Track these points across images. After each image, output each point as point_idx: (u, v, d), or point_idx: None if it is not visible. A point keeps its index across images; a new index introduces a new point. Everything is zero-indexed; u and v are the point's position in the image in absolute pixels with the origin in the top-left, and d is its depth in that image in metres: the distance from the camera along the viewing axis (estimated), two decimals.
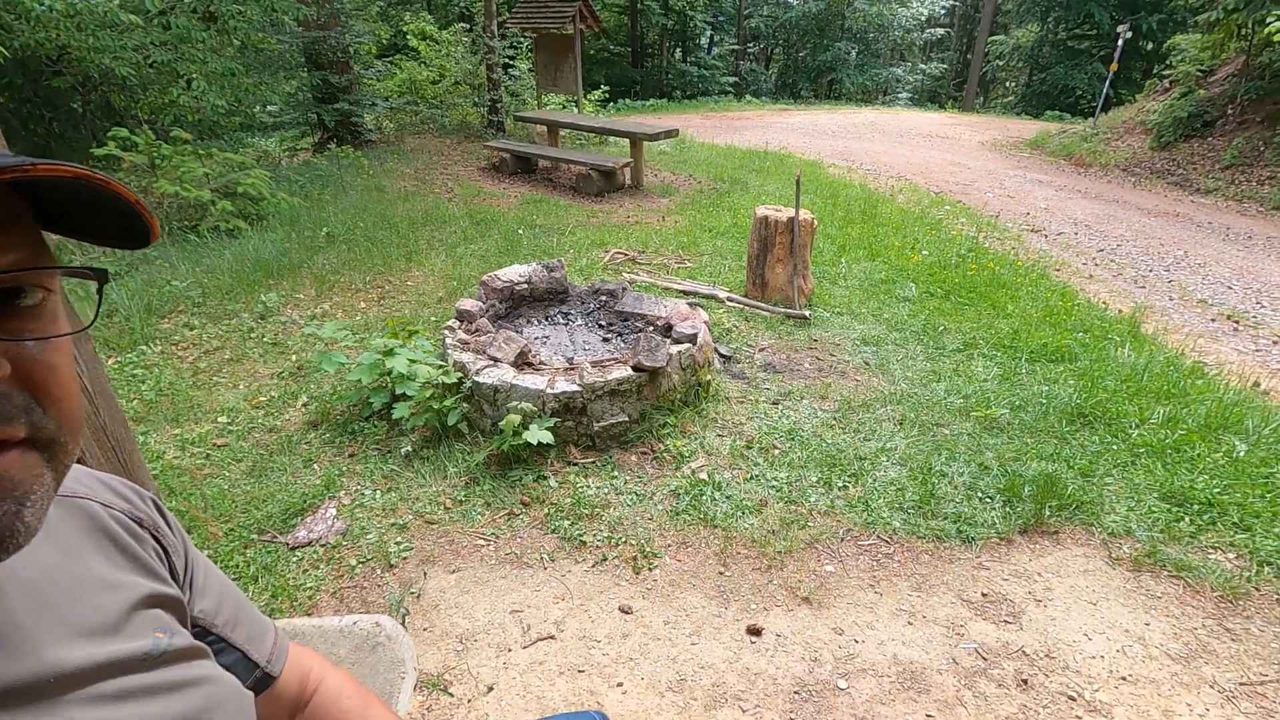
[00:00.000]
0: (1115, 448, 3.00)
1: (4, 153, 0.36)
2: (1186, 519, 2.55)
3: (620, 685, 1.91)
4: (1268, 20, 8.66)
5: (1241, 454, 2.89)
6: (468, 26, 11.62)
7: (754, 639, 2.07)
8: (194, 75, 6.82)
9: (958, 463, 2.88)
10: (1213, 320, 5.05)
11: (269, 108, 9.87)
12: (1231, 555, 2.40)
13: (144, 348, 3.74)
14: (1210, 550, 2.42)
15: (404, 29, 11.44)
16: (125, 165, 5.63)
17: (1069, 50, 21.81)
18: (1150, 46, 19.31)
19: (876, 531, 2.51)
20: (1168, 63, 13.11)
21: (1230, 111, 10.86)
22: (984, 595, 2.24)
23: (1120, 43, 13.93)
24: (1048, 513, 2.55)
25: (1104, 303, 5.11)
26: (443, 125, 11.02)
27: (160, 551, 0.63)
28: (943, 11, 27.21)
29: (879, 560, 2.39)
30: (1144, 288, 5.74)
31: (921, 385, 3.60)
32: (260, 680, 0.71)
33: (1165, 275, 6.09)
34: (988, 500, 2.66)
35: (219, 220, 5.58)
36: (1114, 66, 14.27)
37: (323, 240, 5.63)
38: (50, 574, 0.51)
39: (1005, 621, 2.14)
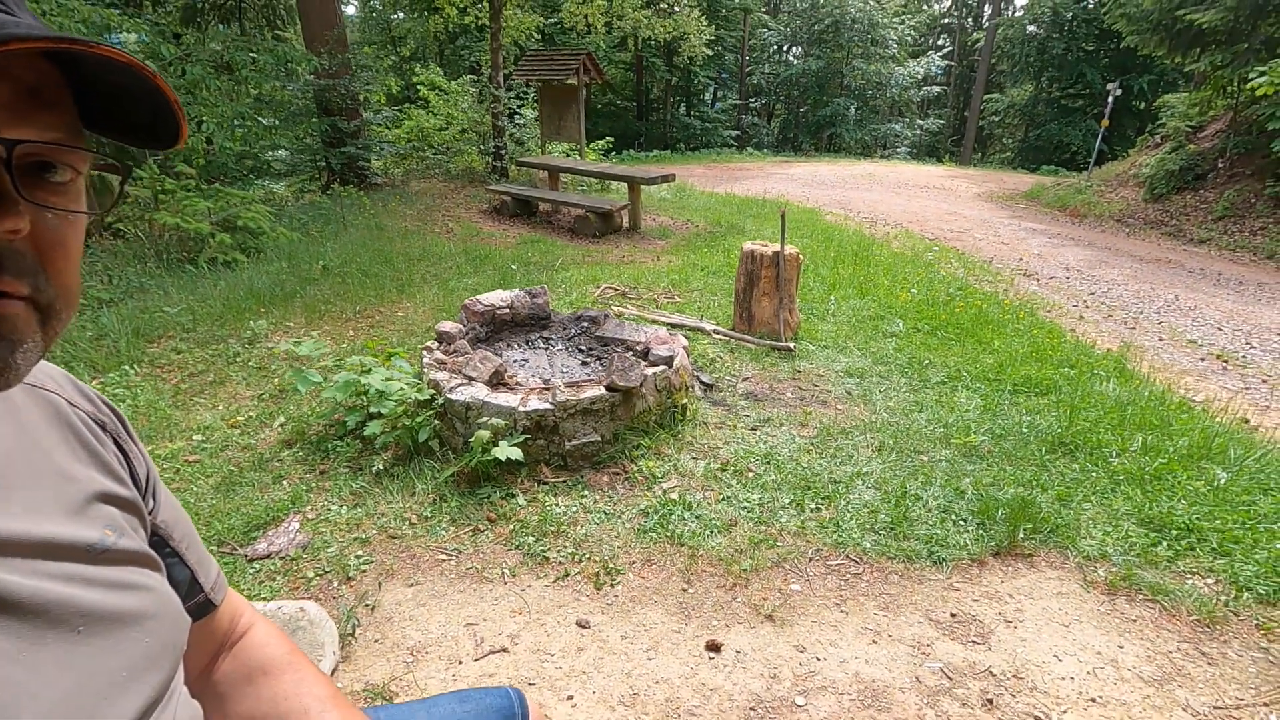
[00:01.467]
0: (1095, 475, 2.95)
1: (61, 33, 0.39)
2: (1164, 544, 2.49)
3: (570, 698, 1.85)
4: (1250, 77, 8.89)
5: (1223, 482, 2.84)
6: (475, 77, 12.04)
7: (713, 655, 2.00)
8: (204, 118, 7.07)
9: (934, 487, 2.84)
10: (1202, 359, 5.03)
11: (279, 153, 10.19)
12: (1210, 580, 2.33)
13: (128, 368, 3.77)
14: (1188, 575, 2.36)
15: (414, 80, 11.88)
16: (128, 199, 5.78)
17: (1063, 108, 22.40)
18: (1142, 105, 19.84)
19: (846, 551, 2.46)
20: (1159, 120, 13.44)
21: (1220, 165, 11.06)
22: (953, 615, 2.18)
23: (1111, 100, 14.32)
24: (1021, 535, 2.50)
25: (1092, 341, 5.11)
26: (447, 170, 11.31)
27: (120, 456, 0.64)
28: (939, 71, 28.09)
29: (847, 580, 2.33)
30: (1134, 329, 5.75)
31: (903, 415, 3.58)
32: (201, 605, 0.72)
33: (1156, 317, 6.10)
34: (961, 523, 2.61)
35: (217, 252, 5.69)
36: (1106, 123, 14.64)
37: (318, 273, 5.72)
38: (13, 453, 0.53)
39: (973, 642, 2.08)
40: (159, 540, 0.67)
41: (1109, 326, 5.76)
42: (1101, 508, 2.73)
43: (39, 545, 0.50)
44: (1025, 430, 3.35)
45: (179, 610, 0.62)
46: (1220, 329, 5.76)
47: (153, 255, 5.62)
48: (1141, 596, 2.26)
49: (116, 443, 0.65)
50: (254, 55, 8.16)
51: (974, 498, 2.75)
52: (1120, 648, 2.05)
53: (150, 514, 0.66)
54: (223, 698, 0.77)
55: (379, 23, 23.32)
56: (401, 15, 22.28)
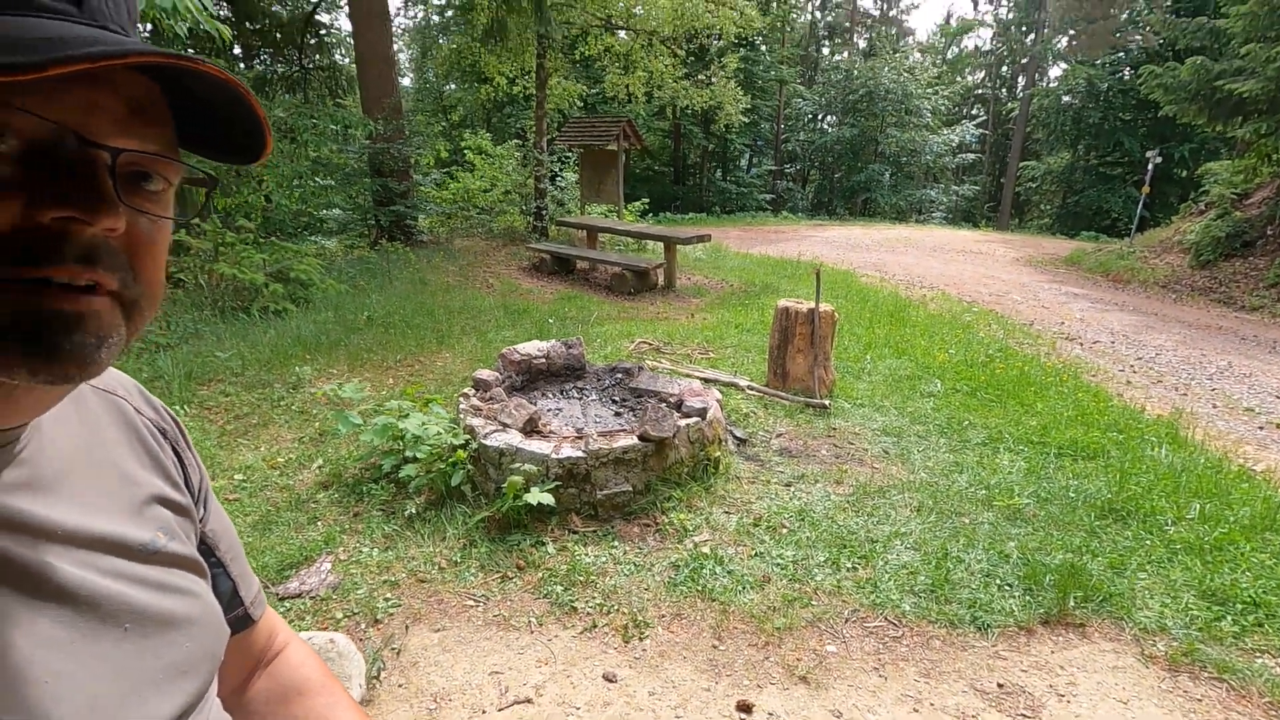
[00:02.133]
0: (1149, 543, 2.81)
1: (172, 51, 0.44)
2: (1229, 618, 2.34)
3: None
4: None
5: None
6: (521, 142, 12.58)
7: (744, 716, 1.92)
8: (266, 178, 7.51)
9: (976, 550, 2.73)
10: (1260, 428, 4.81)
11: (333, 211, 10.72)
12: None
13: (179, 409, 3.90)
14: (1257, 653, 2.20)
15: (463, 145, 12.48)
16: (192, 251, 6.11)
17: (1102, 175, 22.33)
18: (1184, 173, 19.67)
19: (884, 613, 2.36)
20: (1202, 187, 13.30)
21: (1270, 232, 10.82)
22: (1000, 686, 2.06)
23: (1151, 168, 14.24)
24: (1072, 603, 2.38)
25: (1141, 406, 4.94)
26: (490, 229, 11.71)
27: (177, 463, 0.67)
28: (973, 139, 28.38)
29: (885, 643, 2.23)
30: (1185, 395, 5.55)
31: (942, 475, 3.48)
32: (241, 619, 0.74)
33: (1209, 384, 5.88)
34: (1006, 588, 2.50)
35: (269, 301, 5.94)
36: (1147, 190, 14.52)
37: (362, 323, 5.91)
38: (81, 450, 0.56)
39: (1023, 715, 1.95)
40: (205, 549, 0.69)
41: (1158, 392, 5.57)
42: (1158, 577, 2.58)
43: (96, 540, 0.52)
44: (1072, 494, 3.23)
45: (220, 620, 0.63)
46: (1279, 398, 5.52)
47: (209, 303, 5.88)
48: (1207, 674, 2.11)
49: (175, 450, 0.68)
50: (315, 120, 8.70)
51: (1019, 562, 2.64)
52: None
53: (200, 522, 0.68)
54: (256, 715, 0.77)
55: (432, 92, 24.68)
56: (454, 86, 23.57)
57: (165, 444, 0.67)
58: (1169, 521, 2.98)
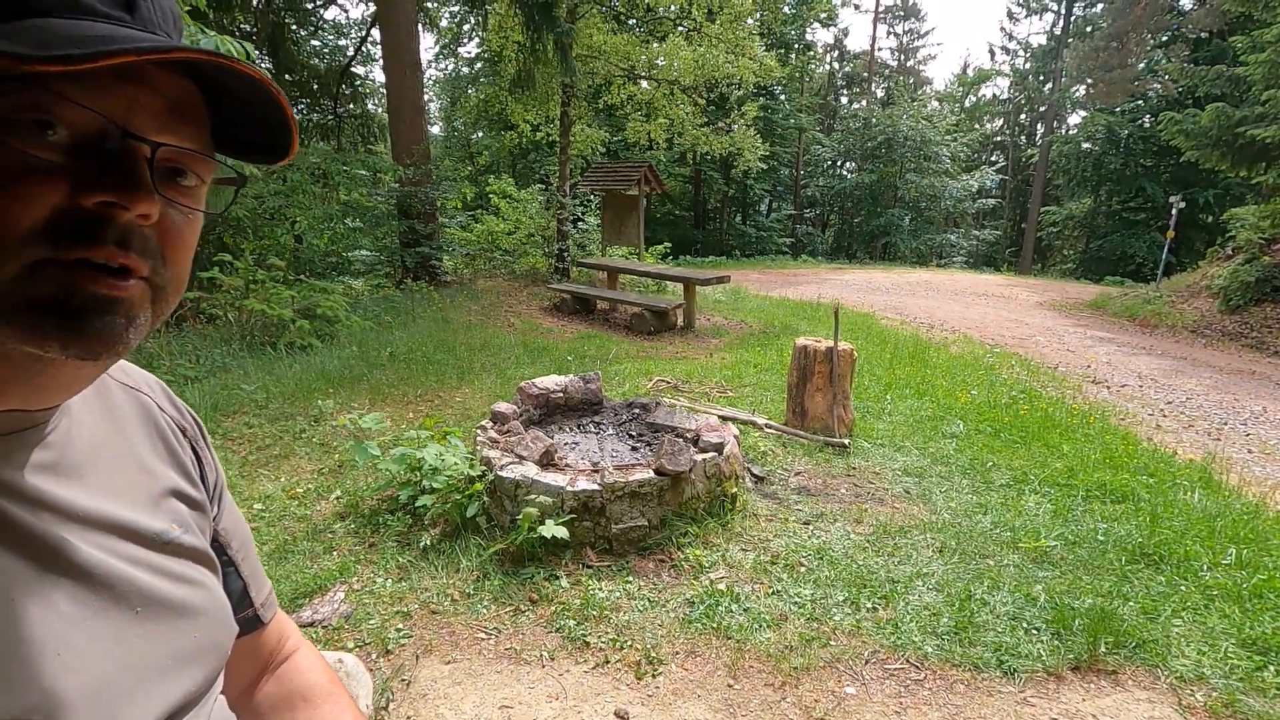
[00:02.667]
0: (1184, 589, 2.71)
1: (213, 50, 0.48)
2: (1271, 669, 2.23)
3: None
4: None
5: None
6: (544, 186, 12.88)
7: None
8: (298, 219, 7.77)
9: (1001, 592, 2.65)
10: None
11: (361, 253, 11.02)
12: None
13: None
14: None
15: (488, 190, 12.81)
16: (224, 288, 6.29)
17: (1125, 220, 22.23)
18: (1209, 218, 19.50)
19: (905, 655, 2.29)
20: (1228, 232, 13.17)
21: None
22: None
23: (1175, 213, 14.15)
24: (1103, 649, 2.28)
25: (1172, 450, 4.81)
26: (512, 270, 11.92)
27: (195, 461, 0.70)
28: (993, 184, 28.50)
29: (907, 686, 2.16)
30: (1218, 440, 5.40)
31: (965, 516, 3.40)
32: (250, 620, 0.75)
33: (1243, 429, 5.73)
34: (1034, 631, 2.41)
35: (296, 336, 6.07)
36: (1171, 234, 14.40)
37: (385, 359, 6.00)
38: (104, 440, 0.59)
39: None
40: (218, 546, 0.71)
41: (1190, 436, 5.43)
42: (1194, 624, 2.48)
43: (114, 525, 0.55)
44: (1101, 537, 3.13)
45: (228, 614, 0.64)
46: None
47: (238, 338, 6.03)
48: None
49: (194, 449, 0.70)
50: (347, 166, 9.02)
51: (1047, 605, 2.55)
52: None
53: (214, 520, 0.70)
54: (262, 719, 0.77)
55: (459, 139, 25.50)
56: (481, 134, 24.34)
57: (185, 441, 0.69)
58: (1204, 567, 2.87)
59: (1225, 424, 5.84)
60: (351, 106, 14.68)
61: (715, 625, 2.42)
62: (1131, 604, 2.58)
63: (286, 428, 4.36)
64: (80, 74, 0.42)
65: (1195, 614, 2.55)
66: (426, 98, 14.23)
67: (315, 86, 14.04)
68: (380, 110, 15.16)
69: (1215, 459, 4.58)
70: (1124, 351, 9.12)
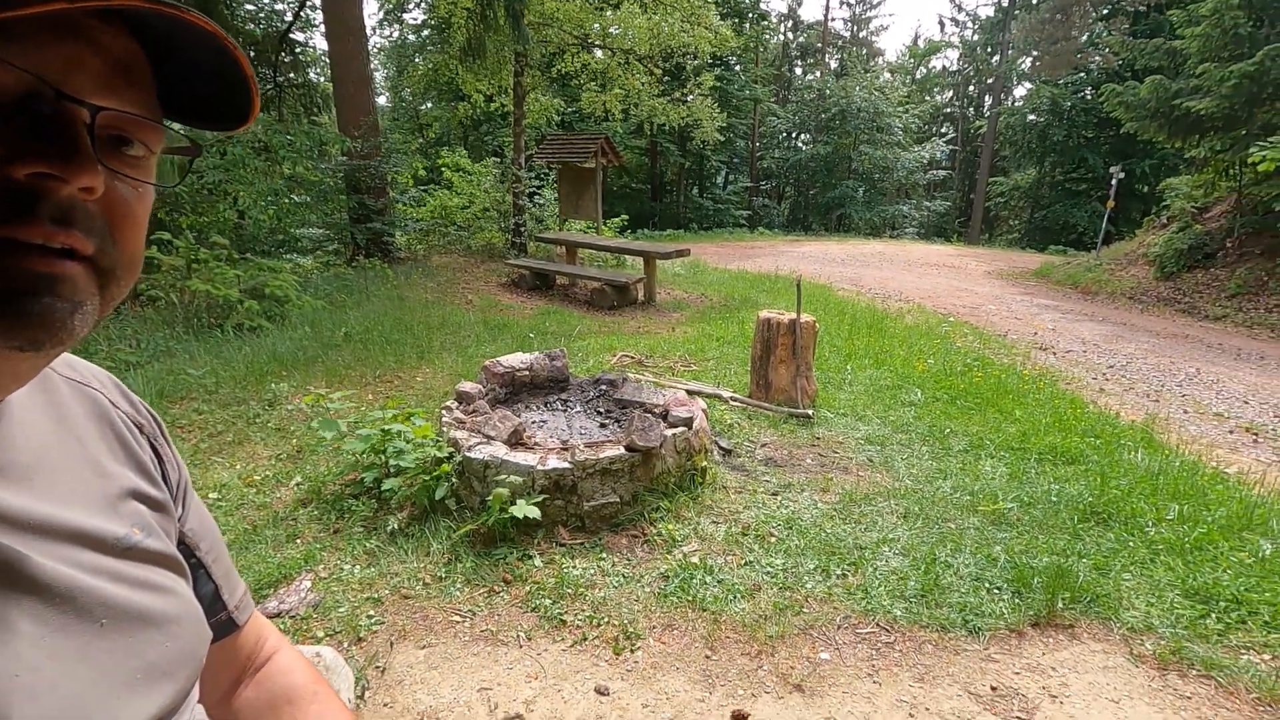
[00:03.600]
0: (1132, 544, 2.84)
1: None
2: (1213, 616, 2.36)
3: None
4: (1252, 152, 9.07)
5: (1268, 553, 2.72)
6: (499, 159, 12.59)
7: None
8: (240, 194, 7.41)
9: (964, 554, 2.74)
10: (1230, 432, 4.92)
11: (310, 230, 10.60)
12: (1266, 656, 2.20)
13: None
14: (1242, 650, 2.22)
15: (440, 162, 12.44)
16: (164, 268, 5.98)
17: (1067, 191, 22.94)
18: (1145, 188, 20.27)
19: (876, 619, 2.35)
20: (1164, 202, 13.72)
21: (1229, 245, 11.18)
22: (993, 689, 2.05)
23: (1115, 184, 14.67)
24: (1061, 605, 2.39)
25: (1115, 412, 5.03)
26: (468, 246, 11.66)
27: (155, 459, 0.64)
28: (943, 156, 29.03)
29: (878, 649, 2.22)
30: (1157, 401, 5.67)
31: (926, 482, 3.50)
32: (224, 624, 0.70)
33: (1179, 390, 6.02)
34: (995, 591, 2.50)
35: (244, 318, 5.83)
36: (1111, 204, 14.95)
37: (340, 339, 5.82)
38: (52, 441, 0.53)
39: (1018, 718, 1.95)
40: (185, 548, 0.66)
41: (1131, 399, 5.69)
42: (1142, 578, 2.61)
43: (71, 532, 0.50)
44: (1055, 498, 3.26)
45: (201, 620, 0.60)
46: (1246, 402, 5.66)
47: (181, 321, 5.76)
48: (1195, 672, 2.13)
49: (152, 445, 0.65)
50: (291, 137, 8.63)
51: (1007, 565, 2.65)
52: None
53: (180, 520, 0.65)
54: None
55: (408, 110, 24.65)
56: (430, 105, 23.57)
57: (143, 439, 0.63)
58: (1150, 523, 3.02)
59: (1163, 386, 6.13)
60: (292, 75, 13.98)
61: (690, 598, 2.44)
62: (1085, 561, 2.70)
63: (240, 413, 4.20)
64: (5, 25, 0.37)
65: (1143, 568, 2.68)
66: (372, 66, 13.67)
67: (253, 53, 13.32)
68: (323, 80, 14.51)
69: (1155, 420, 4.82)
70: (1068, 318, 9.47)
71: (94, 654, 0.48)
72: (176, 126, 0.53)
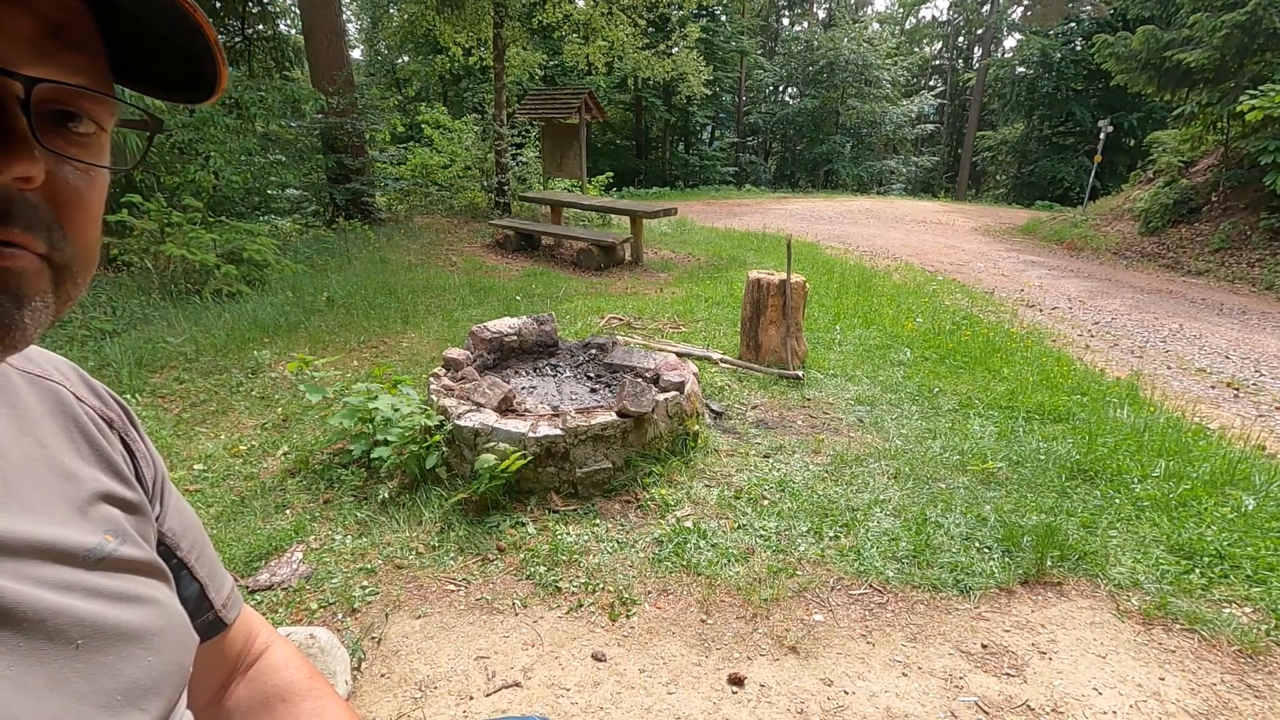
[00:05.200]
0: (1118, 501, 2.88)
1: None
2: (1197, 571, 2.41)
3: None
4: (1240, 100, 9.01)
5: (1250, 508, 2.77)
6: (479, 116, 12.24)
7: (736, 689, 1.91)
8: (212, 154, 7.15)
9: (954, 514, 2.77)
10: (1212, 387, 4.99)
11: (286, 191, 10.29)
12: (1248, 609, 2.25)
13: (129, 397, 3.71)
14: (1225, 604, 2.27)
15: (420, 119, 12.07)
16: (136, 231, 5.79)
17: (1055, 145, 22.81)
18: (1133, 142, 20.21)
19: (869, 580, 2.38)
20: (1150, 156, 13.67)
21: (1214, 199, 11.19)
22: (984, 647, 2.09)
23: (1103, 137, 14.58)
24: (1049, 563, 2.42)
25: (1101, 369, 5.08)
26: (450, 206, 11.42)
27: (127, 456, 0.59)
28: (931, 110, 28.65)
29: (871, 610, 2.25)
30: (1140, 357, 5.72)
31: (916, 442, 3.52)
32: (211, 625, 0.66)
33: (1162, 346, 6.08)
34: (985, 550, 2.54)
35: (222, 283, 5.69)
36: (1098, 158, 14.87)
37: (322, 304, 5.71)
38: (8, 444, 0.48)
39: (1008, 674, 1.99)
40: (165, 549, 0.61)
41: (1116, 355, 5.74)
42: (1128, 535, 2.65)
43: (35, 548, 0.45)
44: (1043, 457, 3.29)
45: (186, 628, 0.56)
46: (1228, 357, 5.73)
47: (157, 287, 5.61)
48: (1179, 626, 2.18)
49: (124, 441, 0.60)
50: (263, 94, 8.30)
51: (997, 525, 2.68)
52: (1162, 680, 1.96)
53: (157, 520, 0.61)
54: None
55: (384, 65, 23.84)
56: (407, 59, 22.79)
57: (112, 435, 0.58)
58: (1135, 480, 3.06)
59: (1147, 342, 6.19)
60: (261, 27, 13.42)
61: (685, 562, 2.45)
62: (1073, 519, 2.73)
63: (222, 381, 4.12)
64: None
65: (1129, 524, 2.72)
66: (345, 17, 13.14)
67: (218, 4, 12.73)
68: (295, 33, 13.92)
69: (1140, 376, 4.86)
70: (1054, 275, 9.49)
71: (67, 679, 0.43)
72: (129, 94, 0.46)
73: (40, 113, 0.37)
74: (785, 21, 33.53)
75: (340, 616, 2.18)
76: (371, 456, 2.86)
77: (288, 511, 2.78)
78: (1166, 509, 2.81)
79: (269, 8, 13.64)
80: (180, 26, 0.42)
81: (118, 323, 4.95)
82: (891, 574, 2.40)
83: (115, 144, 0.45)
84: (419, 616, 2.20)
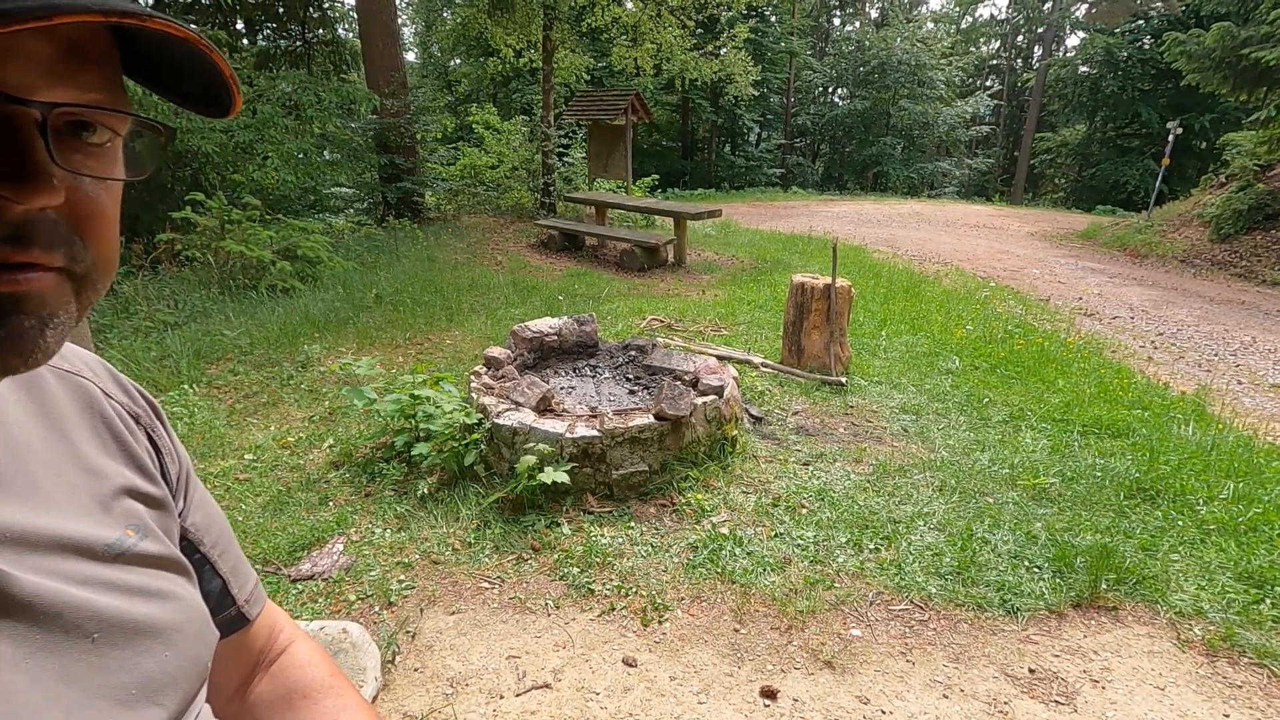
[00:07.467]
0: (1181, 524, 2.73)
1: (112, 4, 0.36)
2: (1268, 602, 2.26)
3: None
4: None
5: None
6: (528, 117, 12.39)
7: (768, 702, 1.87)
8: (270, 154, 7.40)
9: (1002, 530, 2.66)
10: None
11: (340, 190, 10.59)
12: None
13: (186, 387, 3.86)
14: None
15: (470, 120, 12.28)
16: (199, 228, 6.03)
17: (1118, 148, 21.88)
18: (1204, 145, 19.22)
19: (910, 596, 2.30)
20: (1223, 159, 12.97)
21: None
22: (1031, 671, 2.00)
23: (1172, 139, 13.89)
24: (1104, 586, 2.31)
25: (1164, 383, 4.83)
26: (497, 206, 11.58)
27: (153, 452, 0.60)
28: (987, 111, 27.81)
29: (912, 627, 2.18)
30: (1209, 371, 5.43)
31: (963, 454, 3.40)
32: (233, 620, 0.67)
33: (1232, 360, 5.75)
34: (1035, 570, 2.43)
35: (277, 279, 5.87)
36: (1167, 161, 14.17)
37: (371, 301, 5.84)
38: (36, 440, 0.49)
39: (1057, 702, 1.89)
40: (189, 545, 0.62)
41: (1182, 368, 5.45)
42: (1192, 559, 2.51)
43: (55, 542, 0.45)
44: (1099, 474, 3.14)
45: (207, 624, 0.56)
46: None
47: (216, 281, 5.82)
48: (1246, 660, 2.05)
49: (150, 437, 0.60)
50: (320, 95, 8.55)
51: (1048, 543, 2.56)
52: (1226, 716, 1.84)
53: (180, 516, 0.61)
54: None
55: (436, 67, 24.35)
56: (459, 61, 23.23)
57: (139, 431, 0.59)
58: (1201, 501, 2.90)
59: (1215, 355, 5.87)
60: (320, 31, 13.85)
61: (719, 570, 2.42)
62: (1130, 540, 2.60)
63: (273, 374, 4.25)
64: None
65: (1192, 549, 2.58)
66: (400, 21, 13.46)
67: (281, 10, 13.18)
68: (352, 36, 14.33)
69: (1207, 391, 4.61)
70: (1115, 282, 9.09)
71: (82, 673, 0.44)
72: (141, 106, 0.46)
73: (56, 126, 0.37)
74: (836, 21, 33.03)
75: (377, 609, 2.22)
76: (412, 453, 2.91)
77: (330, 504, 2.84)
78: (1235, 533, 2.65)
79: (328, 13, 14.07)
80: (198, 62, 0.42)
81: (179, 315, 5.15)
82: (934, 590, 2.32)
83: (132, 143, 0.45)
84: (453, 613, 2.22)
